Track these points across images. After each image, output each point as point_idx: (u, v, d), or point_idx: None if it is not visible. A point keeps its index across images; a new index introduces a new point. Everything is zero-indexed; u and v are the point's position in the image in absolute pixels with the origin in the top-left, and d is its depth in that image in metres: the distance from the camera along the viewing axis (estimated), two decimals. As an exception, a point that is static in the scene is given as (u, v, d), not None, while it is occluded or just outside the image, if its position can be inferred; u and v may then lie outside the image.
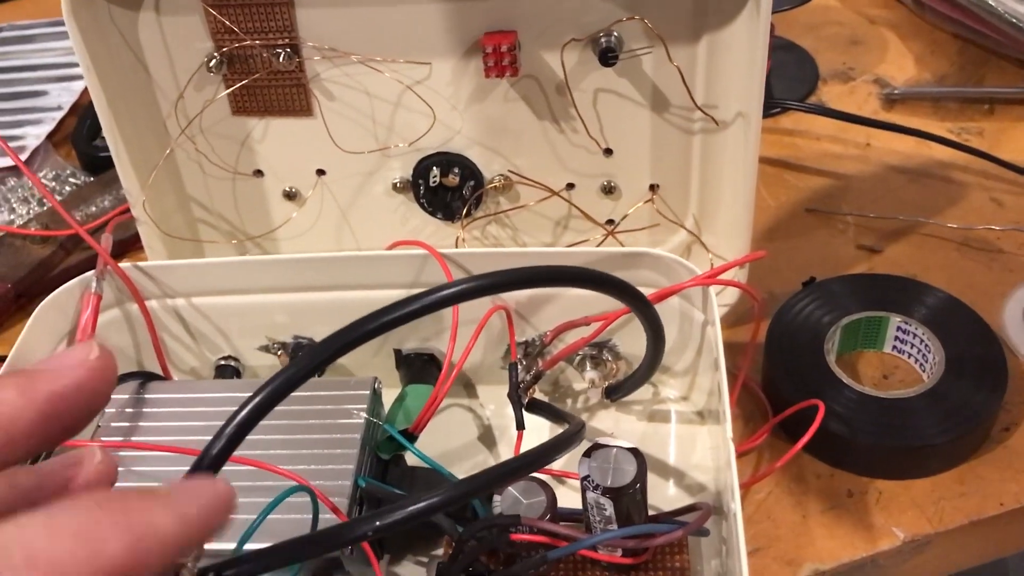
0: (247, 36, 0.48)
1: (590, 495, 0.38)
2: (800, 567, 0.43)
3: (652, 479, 0.46)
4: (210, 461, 0.29)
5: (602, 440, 0.39)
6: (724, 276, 0.45)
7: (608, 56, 0.46)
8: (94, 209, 0.63)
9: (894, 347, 0.51)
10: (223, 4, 0.47)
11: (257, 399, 0.30)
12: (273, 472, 0.39)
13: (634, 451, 0.38)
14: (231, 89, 0.50)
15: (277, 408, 0.44)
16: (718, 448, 0.45)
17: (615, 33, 0.46)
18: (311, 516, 0.39)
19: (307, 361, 0.31)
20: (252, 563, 0.30)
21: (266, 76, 0.49)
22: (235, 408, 0.43)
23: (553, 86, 0.49)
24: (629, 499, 0.37)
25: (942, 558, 0.45)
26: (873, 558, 0.44)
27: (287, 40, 0.48)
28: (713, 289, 0.42)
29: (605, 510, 0.38)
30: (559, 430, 0.48)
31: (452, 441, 0.49)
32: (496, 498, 0.40)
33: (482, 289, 0.34)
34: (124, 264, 0.47)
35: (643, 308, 0.37)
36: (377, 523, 0.32)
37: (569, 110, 0.49)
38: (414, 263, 0.46)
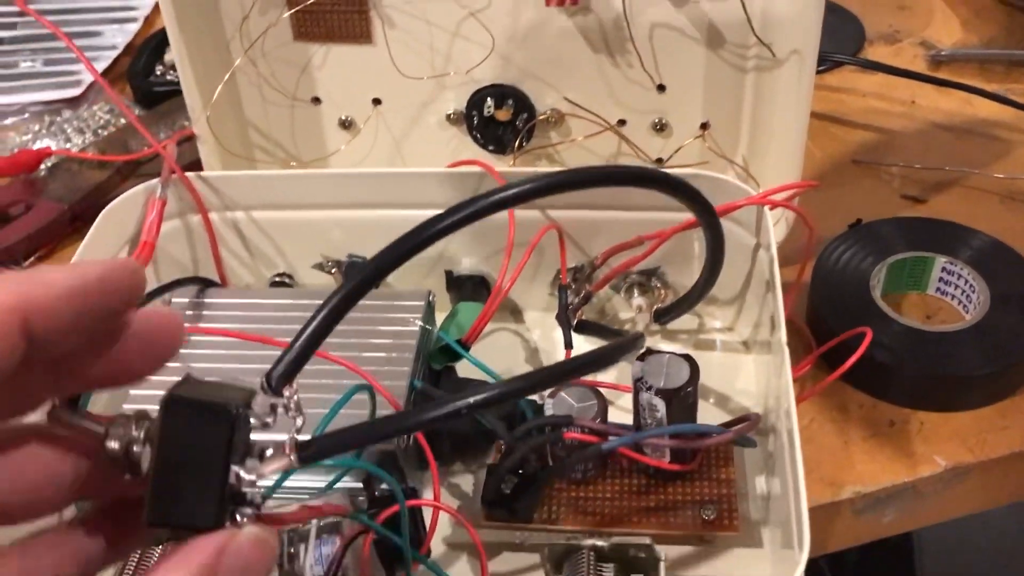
0: (314, -42, 0.49)
1: (643, 396, 0.38)
2: (842, 488, 0.44)
3: (699, 404, 0.47)
4: (286, 367, 0.28)
5: (657, 347, 0.39)
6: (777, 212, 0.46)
7: (669, -14, 0.47)
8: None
9: (938, 288, 0.51)
10: (293, -76, 0.48)
11: (329, 305, 0.30)
12: (341, 365, 0.40)
13: (687, 357, 0.39)
14: (293, 11, 0.51)
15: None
16: (763, 376, 0.46)
17: (676, -36, 0.47)
18: (368, 413, 0.40)
19: (381, 258, 0.32)
20: (328, 443, 0.30)
21: (328, 1, 0.51)
22: (295, 314, 0.45)
23: (611, 19, 0.50)
24: (680, 401, 0.38)
25: (981, 490, 0.46)
26: (914, 484, 0.44)
27: (352, -36, 0.49)
28: (768, 210, 0.43)
29: (657, 411, 0.38)
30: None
31: (499, 362, 0.49)
32: (548, 402, 0.41)
33: (548, 188, 0.34)
34: (188, 173, 0.48)
35: (707, 214, 0.37)
36: (446, 407, 0.31)
37: (626, 44, 0.50)
38: (471, 181, 0.47)
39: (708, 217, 0.37)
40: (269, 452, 0.26)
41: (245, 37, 0.52)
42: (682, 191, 0.35)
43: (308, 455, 0.27)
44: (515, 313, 0.52)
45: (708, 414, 0.46)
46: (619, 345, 0.37)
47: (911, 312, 0.51)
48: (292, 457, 0.27)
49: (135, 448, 0.26)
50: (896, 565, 0.89)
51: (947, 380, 0.45)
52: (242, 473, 0.26)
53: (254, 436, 0.26)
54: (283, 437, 0.27)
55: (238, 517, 0.26)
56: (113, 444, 0.26)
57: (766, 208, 0.43)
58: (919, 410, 0.46)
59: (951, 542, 0.91)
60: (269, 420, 0.26)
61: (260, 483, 0.26)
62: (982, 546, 0.91)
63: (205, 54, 0.52)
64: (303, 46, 0.53)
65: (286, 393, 0.27)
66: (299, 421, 0.27)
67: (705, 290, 0.43)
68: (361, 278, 0.31)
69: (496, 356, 0.50)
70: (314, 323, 0.28)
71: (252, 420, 0.26)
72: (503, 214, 0.46)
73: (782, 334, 0.39)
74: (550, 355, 0.50)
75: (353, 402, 0.40)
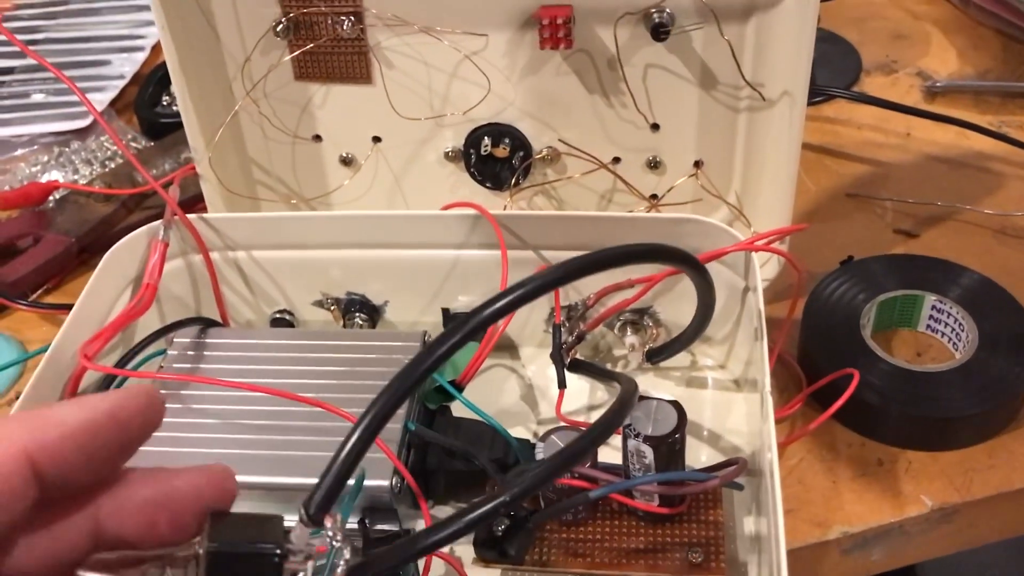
0: (313, 2, 0.50)
1: (631, 443, 0.39)
2: (829, 529, 0.45)
3: (689, 442, 0.47)
4: (323, 497, 0.27)
5: (644, 393, 0.40)
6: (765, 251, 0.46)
7: (660, 31, 0.48)
8: (155, 172, 0.65)
9: (928, 326, 0.52)
10: (293, -29, 0.49)
11: (361, 426, 0.28)
12: (334, 413, 0.41)
13: (674, 403, 0.40)
14: (295, 54, 0.52)
15: (334, 356, 0.47)
16: (754, 414, 0.47)
17: (667, 9, 0.48)
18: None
19: (404, 377, 0.29)
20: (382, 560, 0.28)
21: (330, 43, 0.52)
22: (297, 355, 0.46)
23: (605, 60, 0.51)
24: (668, 448, 0.39)
25: (968, 529, 0.46)
26: (901, 524, 0.45)
27: (351, 7, 0.50)
28: (756, 255, 0.43)
29: (645, 458, 0.39)
30: (599, 389, 0.50)
31: (495, 399, 0.50)
32: (539, 445, 0.42)
33: (556, 281, 0.34)
34: (190, 216, 0.49)
35: (697, 271, 0.38)
36: (488, 506, 0.29)
37: (619, 84, 0.51)
38: (465, 223, 0.48)
39: (696, 270, 0.38)
40: None
41: (247, 78, 0.53)
42: (670, 259, 0.36)
43: None
44: (510, 349, 0.53)
45: (699, 452, 0.47)
46: (622, 404, 0.38)
47: (901, 349, 0.52)
48: None
49: None
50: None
51: (934, 421, 0.46)
52: None
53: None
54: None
55: None
56: None
57: (753, 254, 0.43)
58: (907, 449, 0.47)
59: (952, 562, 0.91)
60: (313, 552, 0.26)
61: None
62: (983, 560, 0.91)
63: (208, 95, 0.53)
64: (304, 86, 0.54)
65: (327, 523, 0.26)
66: (346, 553, 0.26)
67: (698, 332, 0.44)
68: (388, 400, 0.30)
69: (492, 394, 0.51)
70: (347, 447, 0.27)
71: (293, 556, 0.25)
72: (497, 254, 0.48)
73: (766, 384, 0.39)
74: (544, 391, 0.50)
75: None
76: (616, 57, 0.50)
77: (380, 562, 0.27)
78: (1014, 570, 0.89)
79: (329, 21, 0.51)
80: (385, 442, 0.42)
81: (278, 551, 0.25)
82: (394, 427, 0.43)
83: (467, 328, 0.30)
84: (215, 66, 0.53)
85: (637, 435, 0.39)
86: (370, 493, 0.41)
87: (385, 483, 0.40)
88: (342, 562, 0.26)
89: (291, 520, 0.27)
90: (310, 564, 0.26)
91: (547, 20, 0.48)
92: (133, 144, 0.70)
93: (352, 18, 0.50)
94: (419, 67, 0.52)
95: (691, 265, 0.37)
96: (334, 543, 0.26)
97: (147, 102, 0.71)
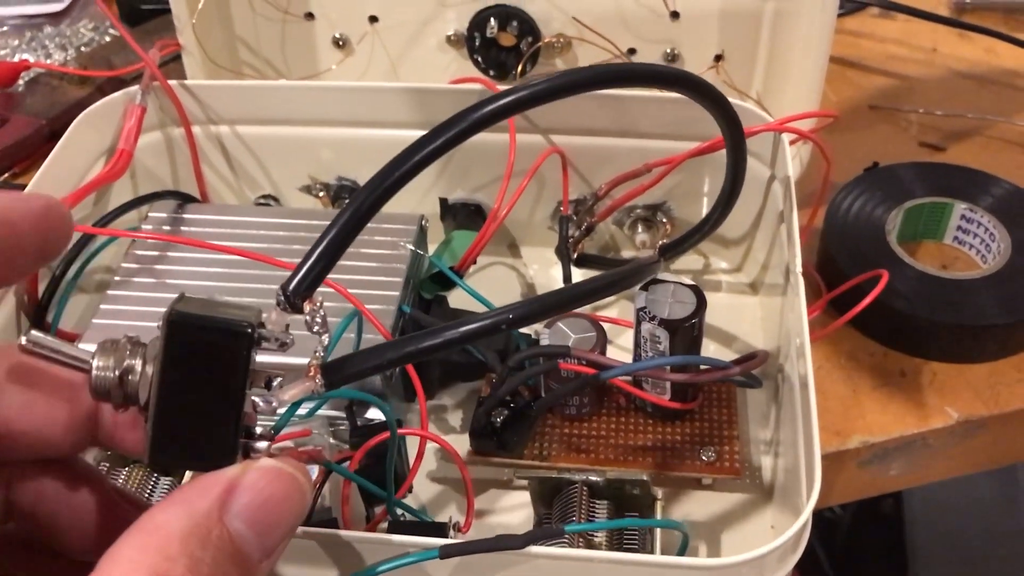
0: None
1: (645, 326, 0.36)
2: (849, 438, 0.42)
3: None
4: (306, 278, 0.25)
5: (661, 276, 0.37)
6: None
7: (688, -99, 0.44)
8: (133, 57, 0.61)
9: (955, 237, 0.49)
10: None
11: (351, 209, 0.26)
12: (328, 287, 0.37)
13: (694, 287, 0.37)
14: (290, -86, 0.48)
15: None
16: (770, 319, 0.44)
17: None
18: (354, 342, 0.37)
19: (403, 159, 0.28)
20: (359, 364, 0.26)
21: (327, -94, 0.48)
22: (282, 234, 0.42)
23: (625, -64, 0.47)
24: (685, 334, 0.36)
25: (993, 445, 0.44)
26: (924, 436, 0.42)
27: None
28: (785, 136, 0.40)
29: (660, 343, 0.36)
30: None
31: (494, 296, 0.47)
32: (544, 332, 0.39)
33: (561, 89, 0.30)
34: (171, 82, 0.45)
35: (731, 124, 0.34)
36: (484, 321, 0.28)
37: (639, -36, 0.47)
38: (471, 99, 0.44)
39: (732, 128, 0.34)
40: (277, 381, 0.24)
41: (236, -57, 0.49)
42: (706, 95, 0.32)
43: (337, 379, 0.25)
44: (512, 248, 0.49)
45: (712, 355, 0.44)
46: (638, 267, 0.35)
47: (927, 260, 0.48)
48: (317, 381, 0.24)
49: (131, 377, 0.22)
50: (887, 537, 0.88)
51: (962, 330, 0.43)
52: (259, 401, 0.23)
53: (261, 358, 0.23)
54: (291, 360, 0.24)
55: (251, 453, 0.23)
56: (105, 372, 0.22)
57: (784, 136, 0.40)
58: (932, 360, 0.44)
59: (941, 514, 0.89)
60: (288, 340, 0.23)
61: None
62: (972, 522, 0.90)
63: (193, -41, 0.49)
64: (297, -44, 0.50)
65: (307, 308, 0.24)
66: (325, 338, 0.24)
67: (722, 217, 0.40)
68: (382, 185, 0.28)
69: (491, 289, 0.47)
70: (336, 227, 0.25)
71: (265, 342, 0.23)
72: (504, 137, 0.44)
73: (797, 264, 0.36)
74: (548, 290, 0.47)
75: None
76: (638, -69, 0.46)
77: (359, 362, 0.24)
78: (998, 517, 0.87)
79: None
80: (379, 326, 0.38)
81: (250, 327, 0.22)
82: (388, 309, 0.39)
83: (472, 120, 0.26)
84: (202, -72, 0.49)
85: (653, 318, 0.36)
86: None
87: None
88: (317, 352, 0.24)
89: None
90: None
91: None
92: (111, 31, 0.65)
93: None
94: (424, -64, 0.48)
95: (720, 104, 0.33)
96: (312, 329, 0.24)
97: (127, -13, 0.67)
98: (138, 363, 0.23)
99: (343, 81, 0.51)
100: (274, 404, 0.23)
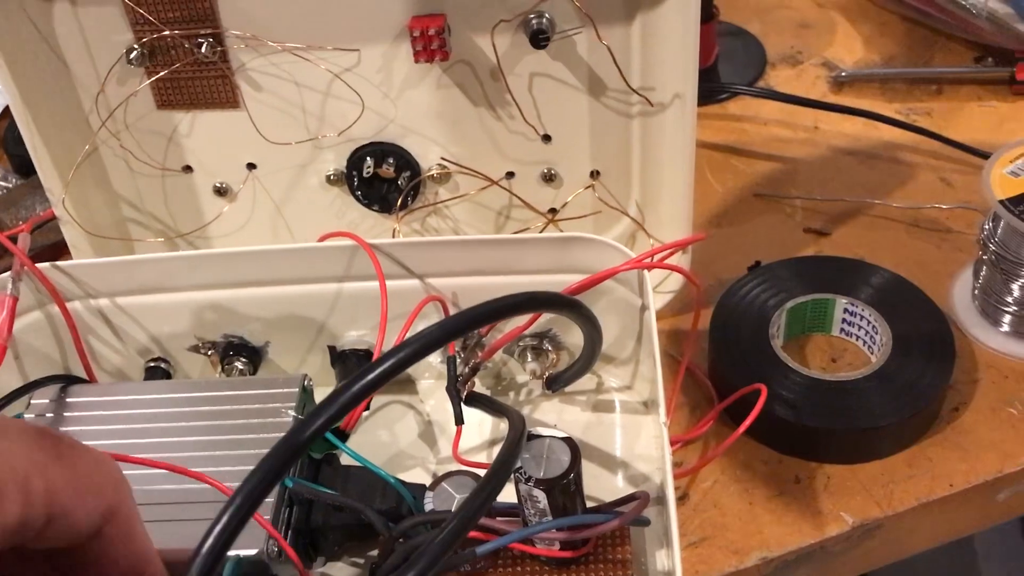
0: (167, 26, 0.46)
1: (522, 487, 0.36)
2: (747, 556, 0.42)
3: (597, 470, 0.45)
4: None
5: (535, 430, 0.37)
6: (667, 262, 0.44)
7: (539, 38, 0.45)
8: (24, 212, 0.61)
9: (842, 330, 0.50)
10: (140, -8, 0.45)
11: (221, 522, 0.26)
12: (184, 474, 0.37)
13: (568, 440, 0.37)
14: (150, 80, 0.48)
15: (206, 409, 0.43)
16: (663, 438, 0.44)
17: (546, 14, 0.45)
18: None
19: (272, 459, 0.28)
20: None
21: (189, 68, 0.48)
22: (172, 410, 0.42)
23: (487, 71, 0.48)
24: (562, 490, 0.36)
25: (893, 543, 0.44)
26: (822, 544, 0.43)
27: (209, 29, 0.47)
28: (648, 273, 0.41)
29: (539, 502, 0.36)
30: (500, 423, 0.47)
31: (391, 440, 0.47)
32: (428, 495, 0.39)
33: (418, 353, 0.31)
34: (42, 264, 0.45)
35: (574, 309, 0.36)
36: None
37: (504, 95, 0.48)
38: (343, 255, 0.45)
39: (572, 309, 0.36)
40: None
41: (104, 110, 0.49)
42: (541, 304, 0.34)
43: None
44: (407, 384, 0.49)
45: (611, 479, 0.44)
46: (510, 449, 0.35)
47: (816, 355, 0.49)
48: None
49: None
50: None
51: (851, 433, 0.44)
52: None
53: None
54: None
55: None
56: None
57: (645, 272, 0.41)
58: (825, 463, 0.45)
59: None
60: None
61: None
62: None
63: (61, 131, 0.49)
64: (167, 115, 0.50)
65: None
66: None
67: (588, 365, 0.41)
68: (258, 481, 0.28)
69: (389, 432, 0.47)
70: (208, 541, 0.26)
71: None
72: (375, 284, 0.44)
73: (661, 413, 0.37)
74: (444, 428, 0.47)
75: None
76: (498, 67, 0.47)
77: None
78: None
79: (186, 45, 0.47)
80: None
81: None
82: (270, 485, 0.39)
83: (318, 425, 0.27)
84: (67, 100, 0.49)
85: (528, 479, 0.36)
86: (245, 560, 0.37)
87: (254, 551, 0.36)
88: None
89: None
90: None
91: (419, 32, 0.45)
92: (2, 183, 0.65)
93: (211, 40, 0.47)
94: (289, 87, 0.49)
95: (566, 306, 0.34)
96: None
97: (16, 138, 0.66)
98: None
99: (211, 249, 0.51)
100: None
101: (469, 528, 0.32)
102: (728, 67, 0.68)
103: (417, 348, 0.31)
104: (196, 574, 0.26)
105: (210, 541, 0.26)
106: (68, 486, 0.24)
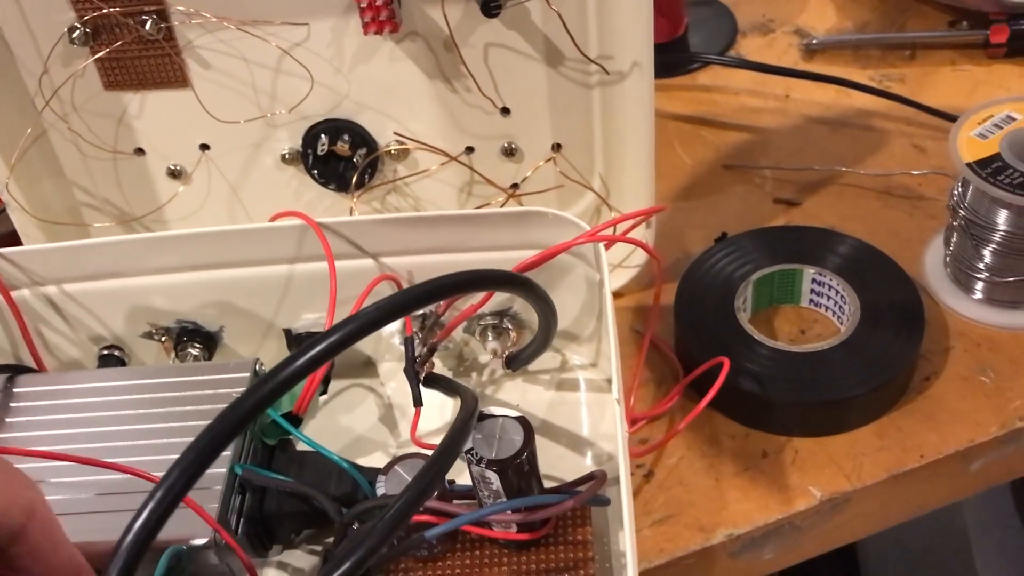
0: (108, 3, 0.45)
1: (474, 469, 0.35)
2: (713, 532, 0.41)
3: (562, 450, 0.44)
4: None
5: (487, 410, 0.36)
6: (631, 235, 0.43)
7: (491, 6, 0.43)
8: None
9: (811, 300, 0.49)
10: (78, -31, 0.44)
11: (149, 507, 0.26)
12: (103, 467, 0.36)
13: (521, 420, 0.36)
14: (93, 58, 0.46)
15: (152, 396, 0.42)
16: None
17: (497, -19, 0.44)
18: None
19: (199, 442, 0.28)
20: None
21: (134, 46, 0.46)
22: (124, 397, 0.41)
23: (440, 43, 0.46)
24: (516, 471, 0.35)
25: (863, 516, 0.43)
26: (790, 519, 0.42)
27: (153, 6, 0.45)
28: (602, 246, 0.40)
29: (492, 484, 0.35)
30: (458, 403, 0.45)
31: (351, 423, 0.46)
32: (381, 479, 0.38)
33: (365, 328, 0.30)
34: (-16, 252, 0.44)
35: (522, 287, 0.35)
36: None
37: (459, 68, 0.47)
38: (293, 235, 0.43)
39: (522, 287, 0.35)
40: None
41: (49, 91, 0.48)
42: (487, 282, 0.33)
43: None
44: (368, 366, 0.48)
45: (573, 463, 0.43)
46: (459, 430, 0.34)
47: (784, 327, 0.48)
48: None
49: None
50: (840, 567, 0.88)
51: (818, 405, 0.43)
52: None
53: None
54: None
55: None
56: None
57: (600, 246, 0.40)
58: (793, 437, 0.44)
59: (894, 543, 0.89)
60: None
61: None
62: (919, 523, 0.90)
63: (5, 114, 0.48)
64: (116, 95, 0.49)
65: None
66: None
67: (545, 344, 0.40)
68: (183, 469, 0.27)
69: (348, 415, 0.46)
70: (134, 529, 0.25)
71: None
72: (342, 264, 0.43)
73: (615, 389, 0.35)
74: (404, 411, 0.46)
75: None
76: (451, 38, 0.46)
77: None
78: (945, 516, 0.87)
79: (131, 22, 0.46)
80: (207, 490, 0.37)
81: None
82: (218, 472, 0.38)
83: (253, 402, 0.26)
84: (10, 82, 0.48)
85: (480, 460, 0.35)
86: (193, 551, 0.36)
87: (202, 541, 0.35)
88: None
89: None
90: None
91: (366, 2, 0.44)
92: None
93: (155, 17, 0.45)
94: (238, 65, 0.47)
95: (513, 284, 0.33)
96: None
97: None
98: None
99: (159, 232, 0.49)
100: None
101: (414, 510, 0.31)
102: (698, 37, 0.66)
103: (358, 326, 0.30)
104: (120, 563, 0.25)
105: (139, 523, 0.26)
106: None
